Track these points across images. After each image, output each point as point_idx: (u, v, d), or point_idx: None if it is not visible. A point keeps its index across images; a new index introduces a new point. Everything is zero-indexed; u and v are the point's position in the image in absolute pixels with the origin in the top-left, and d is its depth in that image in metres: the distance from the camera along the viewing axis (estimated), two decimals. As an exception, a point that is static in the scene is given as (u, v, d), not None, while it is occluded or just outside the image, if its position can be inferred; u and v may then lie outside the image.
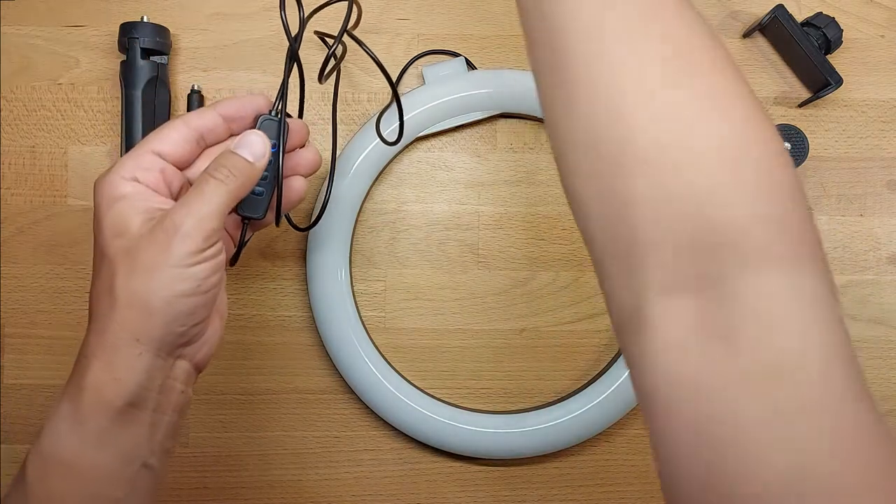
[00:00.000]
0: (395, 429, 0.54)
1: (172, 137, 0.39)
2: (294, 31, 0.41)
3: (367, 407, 0.53)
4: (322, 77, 0.44)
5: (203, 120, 0.40)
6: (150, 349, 0.35)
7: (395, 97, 0.47)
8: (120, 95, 0.53)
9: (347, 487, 0.55)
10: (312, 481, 0.55)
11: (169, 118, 0.54)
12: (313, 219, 0.49)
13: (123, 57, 0.52)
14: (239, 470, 0.55)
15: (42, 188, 0.54)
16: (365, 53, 0.45)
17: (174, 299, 0.35)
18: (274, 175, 0.41)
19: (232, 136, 0.42)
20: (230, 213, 0.39)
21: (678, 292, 0.25)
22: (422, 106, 0.52)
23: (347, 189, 0.52)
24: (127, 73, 0.52)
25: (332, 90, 0.49)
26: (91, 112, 0.55)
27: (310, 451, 0.55)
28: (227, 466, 0.55)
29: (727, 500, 0.23)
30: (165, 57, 0.53)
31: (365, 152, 0.52)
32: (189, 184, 0.41)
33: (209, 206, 0.36)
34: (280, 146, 0.41)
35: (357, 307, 0.53)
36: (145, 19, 0.52)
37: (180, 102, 0.55)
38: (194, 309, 0.36)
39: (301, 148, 0.44)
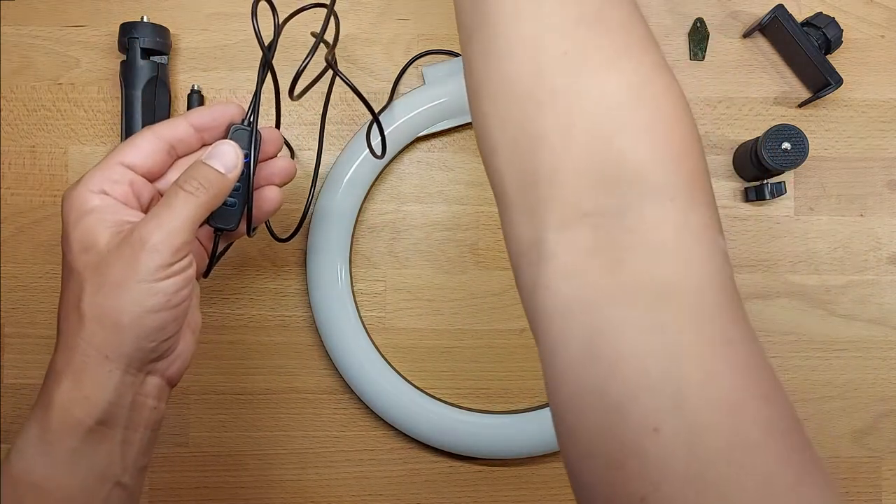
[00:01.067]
0: (395, 429, 0.54)
1: (142, 148, 0.38)
2: (268, 39, 0.41)
3: (367, 407, 0.53)
4: (293, 93, 0.43)
5: (173, 130, 0.39)
6: (119, 366, 0.35)
7: (375, 119, 0.46)
8: (120, 95, 0.53)
9: (347, 487, 0.55)
10: (312, 481, 0.55)
11: (169, 118, 0.54)
12: (296, 227, 0.49)
13: (123, 57, 0.52)
14: (238, 469, 0.55)
15: (42, 188, 0.54)
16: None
17: (143, 315, 0.34)
18: (247, 185, 0.41)
19: (204, 146, 0.41)
20: (202, 224, 0.38)
21: (577, 224, 0.27)
22: (422, 106, 0.52)
23: (347, 189, 0.52)
24: (127, 73, 0.52)
25: (327, 91, 0.49)
26: (91, 112, 0.55)
27: (309, 450, 0.55)
28: (226, 466, 0.55)
29: (610, 407, 0.25)
30: (165, 57, 0.53)
31: (364, 153, 0.52)
32: (160, 195, 0.40)
33: (178, 219, 0.35)
34: (252, 156, 0.40)
35: (357, 307, 0.53)
36: (145, 19, 0.52)
37: (180, 102, 0.55)
38: (164, 324, 0.35)
39: (275, 157, 0.44)
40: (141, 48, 0.51)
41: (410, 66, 0.55)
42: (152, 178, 0.39)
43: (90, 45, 0.55)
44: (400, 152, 0.54)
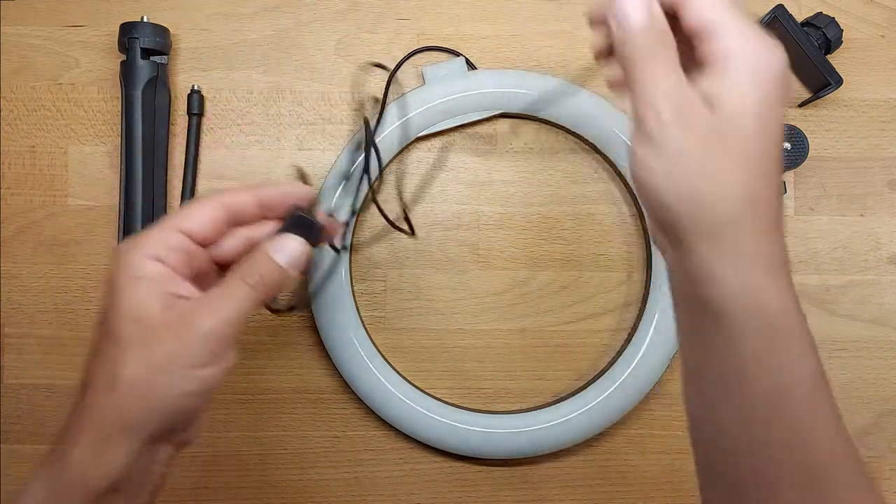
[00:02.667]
0: (395, 429, 0.54)
1: (202, 216, 0.38)
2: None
3: (367, 407, 0.53)
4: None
5: (237, 201, 0.39)
6: (141, 437, 0.34)
7: (375, 149, 0.46)
8: (120, 95, 0.53)
9: (347, 487, 0.55)
10: (312, 481, 0.55)
11: (169, 118, 0.54)
12: (300, 301, 0.49)
13: (123, 57, 0.52)
14: (239, 470, 0.55)
15: (42, 188, 0.54)
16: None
17: (178, 397, 0.34)
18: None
19: (263, 219, 0.40)
20: None
21: None
22: (422, 106, 0.52)
23: (348, 189, 0.52)
24: (127, 73, 0.52)
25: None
26: (91, 112, 0.55)
27: (310, 451, 0.55)
28: (227, 466, 0.55)
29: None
30: (165, 57, 0.53)
31: (364, 153, 0.52)
32: (211, 263, 0.39)
33: (233, 311, 0.35)
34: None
35: (357, 307, 0.53)
36: (145, 19, 0.52)
37: (180, 102, 0.55)
38: (196, 407, 0.35)
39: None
40: (141, 48, 0.51)
41: (410, 67, 0.55)
42: (206, 245, 0.39)
43: (90, 45, 0.55)
44: (400, 152, 0.54)
